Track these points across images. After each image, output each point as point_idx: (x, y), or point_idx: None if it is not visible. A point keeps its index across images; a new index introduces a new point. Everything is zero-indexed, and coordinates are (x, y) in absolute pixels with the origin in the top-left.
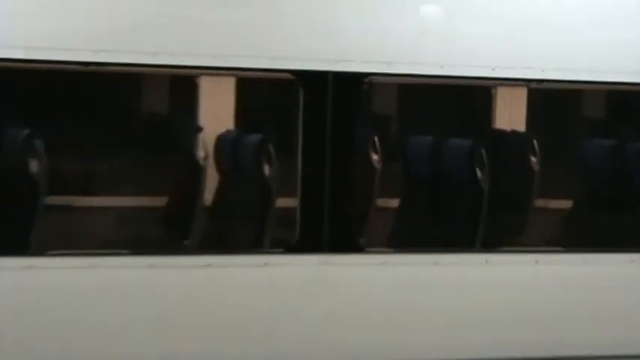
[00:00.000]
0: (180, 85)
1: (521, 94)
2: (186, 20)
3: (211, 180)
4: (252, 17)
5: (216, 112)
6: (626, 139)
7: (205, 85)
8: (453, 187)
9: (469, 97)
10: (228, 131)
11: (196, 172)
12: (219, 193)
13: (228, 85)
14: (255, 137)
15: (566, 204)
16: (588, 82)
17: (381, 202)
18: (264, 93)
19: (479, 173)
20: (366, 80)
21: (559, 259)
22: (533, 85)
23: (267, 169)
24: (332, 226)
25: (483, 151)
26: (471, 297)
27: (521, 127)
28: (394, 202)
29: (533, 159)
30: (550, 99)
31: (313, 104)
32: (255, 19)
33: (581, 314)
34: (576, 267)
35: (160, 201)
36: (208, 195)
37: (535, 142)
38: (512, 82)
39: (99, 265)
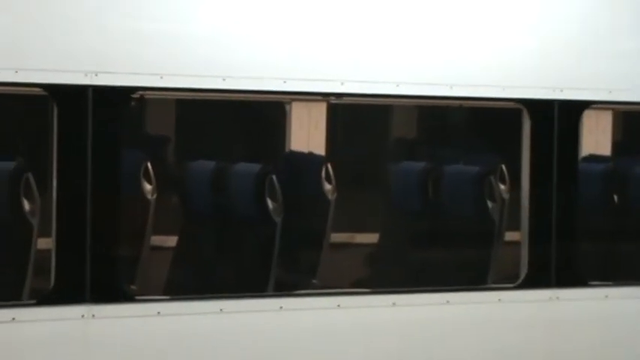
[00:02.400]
0: None
1: (320, 110)
2: None
3: None
4: None
5: None
6: (439, 160)
7: None
8: (241, 222)
9: (258, 115)
10: None
11: None
12: None
13: None
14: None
15: (372, 238)
16: (395, 97)
17: (157, 240)
18: (17, 110)
19: (270, 204)
20: (135, 95)
21: (365, 301)
22: (333, 100)
23: (26, 204)
24: (95, 271)
25: (275, 178)
26: (262, 349)
27: (321, 149)
28: (173, 241)
29: (327, 186)
30: (353, 115)
31: (70, 124)
32: None
33: None
34: (384, 310)
35: None
36: None
37: (329, 166)
38: (308, 97)
39: None
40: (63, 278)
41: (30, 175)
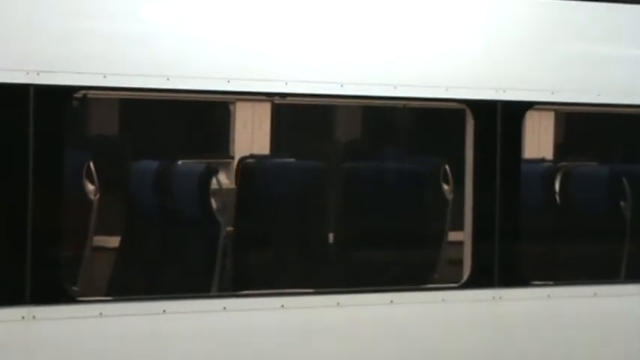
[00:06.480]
0: None
1: (266, 110)
2: None
3: None
4: None
5: None
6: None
7: None
8: (184, 222)
9: (203, 114)
10: None
11: None
12: None
13: None
14: None
15: None
16: (340, 97)
17: (100, 240)
18: None
19: (214, 204)
20: (77, 95)
21: (310, 302)
22: (278, 100)
23: None
24: (36, 272)
25: (217, 178)
26: (206, 350)
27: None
28: (117, 241)
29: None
30: (298, 115)
31: (12, 124)
32: None
33: None
34: (329, 310)
35: None
36: None
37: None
38: (252, 97)
39: None
40: (3, 279)
41: None
